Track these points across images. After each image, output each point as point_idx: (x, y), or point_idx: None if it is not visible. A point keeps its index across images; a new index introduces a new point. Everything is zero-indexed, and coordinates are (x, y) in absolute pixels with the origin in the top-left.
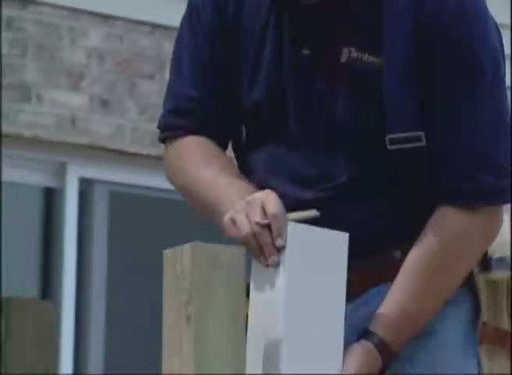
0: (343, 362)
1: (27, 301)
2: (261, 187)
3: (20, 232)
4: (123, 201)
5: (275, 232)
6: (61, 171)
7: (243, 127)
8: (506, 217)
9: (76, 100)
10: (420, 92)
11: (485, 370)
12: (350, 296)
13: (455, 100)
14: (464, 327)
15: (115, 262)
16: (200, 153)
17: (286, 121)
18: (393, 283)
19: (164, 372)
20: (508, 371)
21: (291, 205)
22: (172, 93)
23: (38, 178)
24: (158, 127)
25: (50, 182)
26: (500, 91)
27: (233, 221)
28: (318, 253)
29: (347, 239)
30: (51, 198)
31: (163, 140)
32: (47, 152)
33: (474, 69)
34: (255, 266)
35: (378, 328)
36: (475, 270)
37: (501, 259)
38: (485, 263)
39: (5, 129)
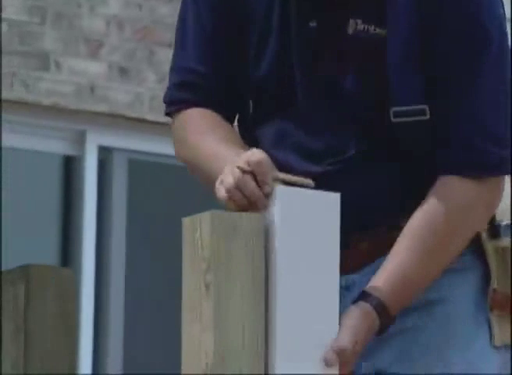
0: (340, 323)
1: (48, 269)
2: None
3: (40, 200)
4: (142, 169)
5: (259, 178)
6: (80, 139)
7: (251, 101)
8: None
9: (95, 68)
10: (424, 65)
11: (496, 337)
12: (359, 265)
13: (461, 72)
14: (474, 295)
15: (134, 229)
16: (203, 123)
17: (294, 95)
18: (394, 246)
19: (184, 338)
20: None
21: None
22: (176, 67)
23: (58, 146)
24: (164, 101)
25: (69, 150)
26: (506, 60)
27: (221, 182)
28: (310, 215)
29: (339, 199)
30: (70, 166)
31: (168, 113)
32: (66, 120)
33: (482, 39)
34: None
35: (377, 290)
36: (484, 237)
37: (510, 225)
38: (494, 230)
39: (25, 97)
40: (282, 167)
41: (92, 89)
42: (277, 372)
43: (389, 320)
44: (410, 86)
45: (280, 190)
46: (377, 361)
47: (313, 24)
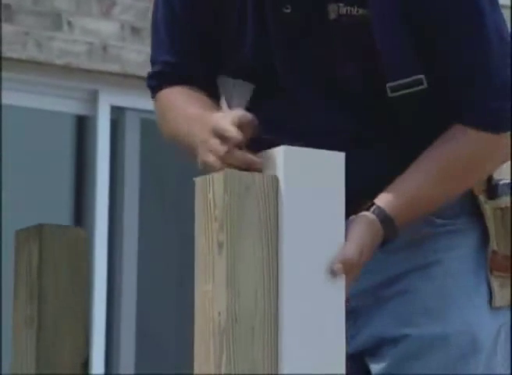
0: (346, 233)
1: (61, 228)
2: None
3: (53, 159)
4: (154, 128)
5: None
6: (92, 99)
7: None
8: None
9: (108, 27)
10: (415, 31)
11: (496, 298)
12: None
13: (457, 26)
14: (472, 255)
15: (147, 188)
16: (180, 98)
17: (277, 83)
18: (405, 171)
19: (197, 298)
20: None
21: None
22: (151, 57)
23: (70, 106)
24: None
25: (82, 110)
26: (498, 10)
27: (205, 164)
28: (315, 174)
29: (343, 158)
30: (83, 126)
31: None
32: (78, 80)
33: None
34: None
35: (382, 201)
36: (482, 199)
37: (508, 185)
38: (492, 190)
39: (37, 57)
40: None
41: (104, 49)
42: (289, 331)
43: (393, 232)
44: (403, 58)
45: (285, 150)
46: (376, 325)
47: (287, 10)
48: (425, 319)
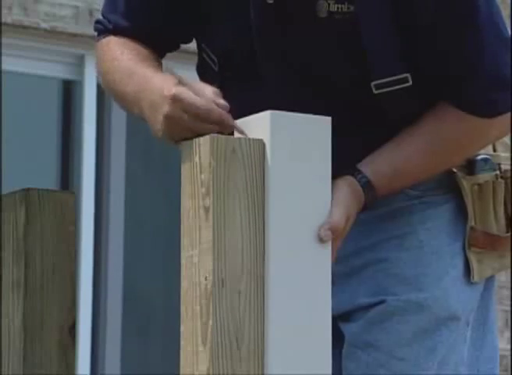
0: (332, 199)
1: (47, 192)
2: None
3: (40, 124)
4: None
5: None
6: (79, 63)
7: (215, 61)
8: None
9: None
10: (401, 31)
11: (476, 272)
12: None
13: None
14: (447, 228)
15: (133, 152)
16: (120, 48)
17: (256, 70)
18: (395, 137)
19: (183, 263)
20: (497, 271)
21: None
22: (101, 12)
23: (57, 70)
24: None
25: (68, 74)
26: (496, 8)
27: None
28: (301, 138)
29: (330, 122)
30: (69, 91)
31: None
32: (65, 44)
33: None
34: None
35: (368, 170)
36: (459, 174)
37: (486, 160)
38: (470, 166)
39: (23, 21)
40: None
41: (91, 12)
42: (275, 294)
43: (372, 201)
44: (389, 57)
45: (271, 114)
46: (350, 293)
47: (270, 1)
48: (401, 287)
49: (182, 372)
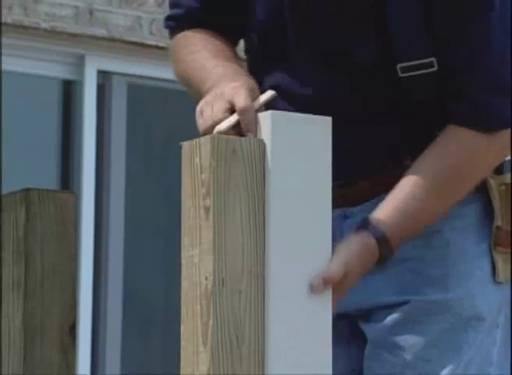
0: (334, 250)
1: (48, 192)
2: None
3: (40, 124)
4: (141, 93)
5: (244, 127)
6: (79, 63)
7: (256, 41)
8: None
9: None
10: (428, 16)
11: (501, 272)
12: (358, 200)
13: (467, 24)
14: (474, 227)
15: (133, 153)
16: (195, 41)
17: (287, 45)
18: (401, 181)
19: (183, 263)
20: None
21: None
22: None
23: (57, 70)
24: (164, 27)
25: (69, 74)
26: (508, 12)
27: (201, 113)
28: (302, 138)
29: (330, 122)
30: (70, 91)
31: (170, 35)
32: (65, 44)
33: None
34: None
35: (379, 220)
36: (489, 174)
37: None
38: (498, 166)
39: (23, 20)
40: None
41: (91, 12)
42: (276, 295)
43: (389, 252)
44: (416, 40)
45: (272, 114)
46: (372, 291)
47: None
48: (427, 286)
49: (182, 372)
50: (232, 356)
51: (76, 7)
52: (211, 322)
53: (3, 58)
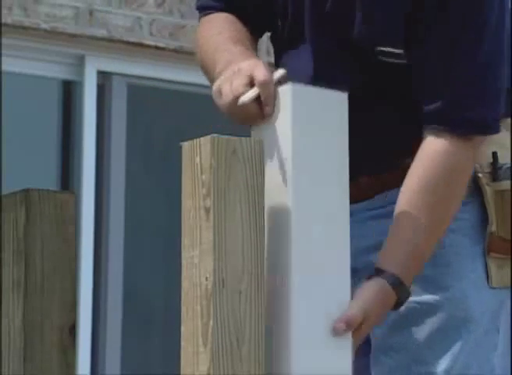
0: (353, 295)
1: (48, 192)
2: None
3: (40, 124)
4: (141, 93)
5: (264, 100)
6: (79, 64)
7: (279, 21)
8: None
9: None
10: (411, 15)
11: (494, 278)
12: (358, 198)
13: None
14: (469, 230)
15: (133, 153)
16: (218, 24)
17: (303, 29)
18: (394, 219)
19: (184, 263)
20: None
21: None
22: None
23: (57, 71)
24: (196, 8)
25: (68, 75)
26: (503, 23)
27: (219, 91)
28: (321, 113)
29: (346, 98)
30: (69, 91)
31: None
32: (65, 45)
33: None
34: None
35: (391, 265)
36: (484, 180)
37: (510, 168)
38: (495, 173)
39: (23, 21)
40: None
41: (91, 13)
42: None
43: (406, 294)
44: (393, 28)
45: (294, 89)
46: None
47: None
48: (420, 287)
49: (182, 372)
50: (232, 357)
51: (76, 8)
52: (211, 322)
53: (3, 58)
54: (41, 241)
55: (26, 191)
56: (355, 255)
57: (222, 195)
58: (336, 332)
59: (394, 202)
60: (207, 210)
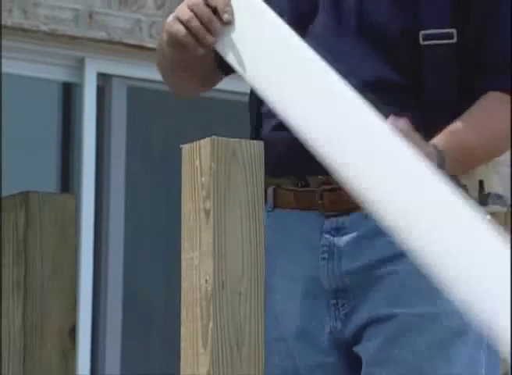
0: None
1: (48, 194)
2: None
3: (40, 126)
4: (141, 95)
5: (218, 6)
6: (79, 66)
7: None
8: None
9: None
10: None
11: None
12: (350, 208)
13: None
14: None
15: (133, 155)
16: None
17: (319, 13)
18: (465, 114)
19: (183, 265)
20: None
21: None
22: None
23: (57, 73)
24: None
25: (68, 77)
26: None
27: (175, 17)
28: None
29: None
30: (69, 93)
31: None
32: (64, 47)
33: None
34: None
35: (441, 141)
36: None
37: (499, 197)
38: (483, 198)
39: (23, 23)
40: None
41: (91, 15)
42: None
43: (442, 160)
44: (441, 8)
45: None
46: (368, 306)
47: None
48: (416, 299)
49: (182, 373)
50: (232, 358)
51: (76, 10)
52: (211, 324)
53: (3, 60)
54: (41, 243)
55: (26, 193)
56: (360, 270)
57: (221, 197)
58: (401, 131)
59: None
60: (207, 212)
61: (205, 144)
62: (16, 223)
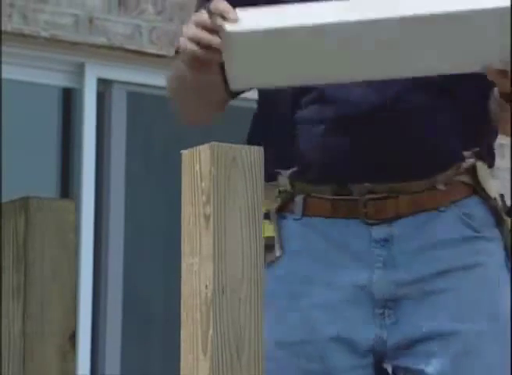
0: None
1: (47, 200)
2: (331, 92)
3: (40, 132)
4: (141, 101)
5: (222, 11)
6: (79, 72)
7: None
8: None
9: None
10: None
11: None
12: (398, 215)
13: None
14: (503, 262)
15: (133, 161)
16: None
17: None
18: None
19: (183, 270)
20: None
21: (359, 109)
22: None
23: (57, 78)
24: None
25: (68, 82)
26: None
27: (184, 39)
28: None
29: None
30: (69, 99)
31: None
32: (65, 53)
33: None
34: None
35: None
36: (504, 215)
37: None
38: (509, 209)
39: (23, 29)
40: (343, 102)
41: (91, 21)
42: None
43: None
44: None
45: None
46: (417, 320)
47: None
48: (472, 315)
49: None
50: (232, 364)
51: (76, 15)
52: (210, 330)
53: (3, 66)
54: (41, 248)
55: (26, 198)
56: (411, 283)
57: (221, 203)
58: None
59: (460, 231)
60: (207, 217)
61: (205, 149)
62: (16, 229)
